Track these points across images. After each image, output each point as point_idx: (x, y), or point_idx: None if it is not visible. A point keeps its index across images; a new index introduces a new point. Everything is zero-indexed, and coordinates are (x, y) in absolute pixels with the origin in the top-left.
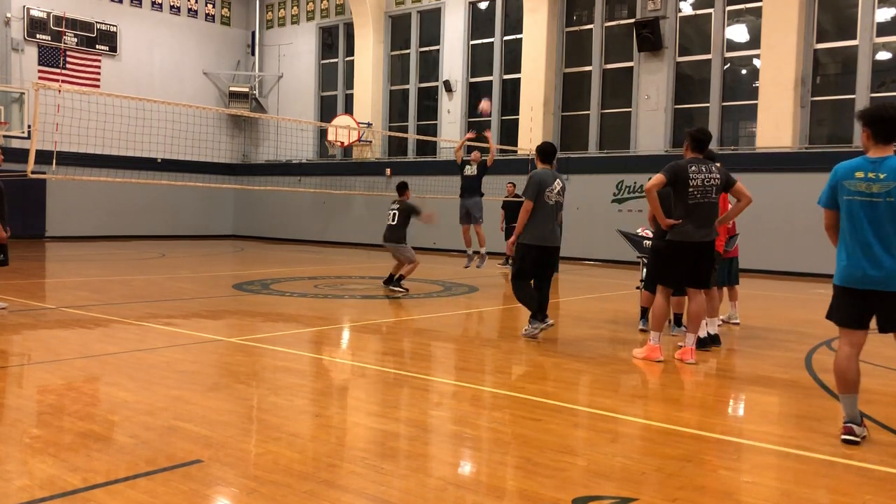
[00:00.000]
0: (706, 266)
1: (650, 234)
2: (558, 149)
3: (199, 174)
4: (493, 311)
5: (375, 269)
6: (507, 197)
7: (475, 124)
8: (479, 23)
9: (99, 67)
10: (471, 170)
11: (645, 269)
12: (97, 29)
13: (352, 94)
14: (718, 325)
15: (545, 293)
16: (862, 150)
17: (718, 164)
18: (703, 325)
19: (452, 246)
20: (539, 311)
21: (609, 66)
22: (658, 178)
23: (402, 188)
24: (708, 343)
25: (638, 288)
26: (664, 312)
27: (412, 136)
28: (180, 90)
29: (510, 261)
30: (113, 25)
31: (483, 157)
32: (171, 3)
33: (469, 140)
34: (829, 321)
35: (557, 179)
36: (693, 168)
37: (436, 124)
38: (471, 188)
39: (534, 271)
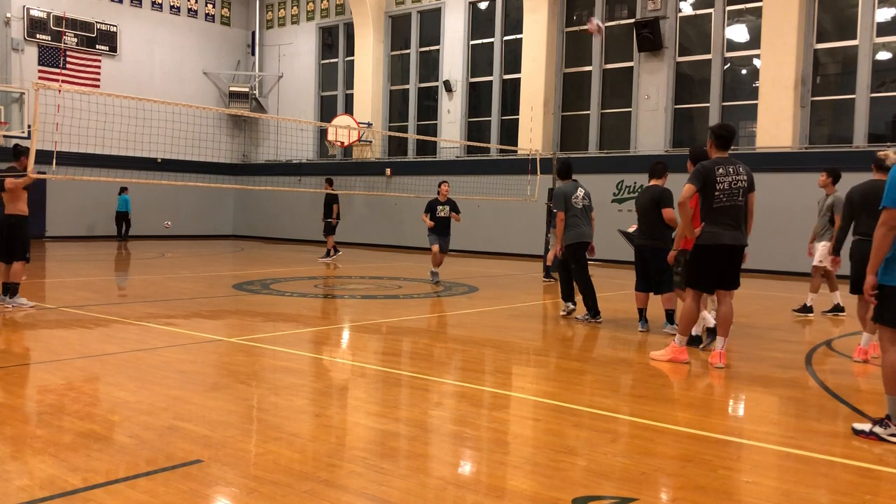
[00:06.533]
0: (735, 269)
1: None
2: (558, 148)
3: (199, 174)
4: (493, 310)
5: (376, 269)
6: (326, 191)
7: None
8: (479, 23)
9: (99, 67)
10: (443, 210)
11: (636, 271)
12: (97, 29)
13: (352, 94)
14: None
15: (572, 279)
16: (863, 150)
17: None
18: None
19: (455, 246)
20: (565, 296)
21: (609, 66)
22: (689, 188)
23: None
24: (694, 342)
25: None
26: (693, 317)
27: (412, 136)
28: (180, 90)
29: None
30: (113, 25)
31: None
32: (171, 3)
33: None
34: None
35: (580, 188)
36: (720, 170)
37: (436, 124)
38: (446, 227)
39: (581, 263)
